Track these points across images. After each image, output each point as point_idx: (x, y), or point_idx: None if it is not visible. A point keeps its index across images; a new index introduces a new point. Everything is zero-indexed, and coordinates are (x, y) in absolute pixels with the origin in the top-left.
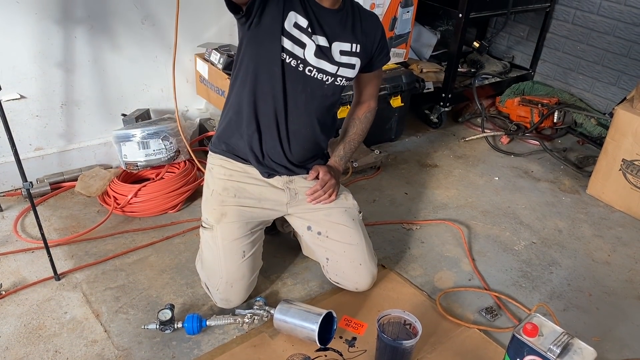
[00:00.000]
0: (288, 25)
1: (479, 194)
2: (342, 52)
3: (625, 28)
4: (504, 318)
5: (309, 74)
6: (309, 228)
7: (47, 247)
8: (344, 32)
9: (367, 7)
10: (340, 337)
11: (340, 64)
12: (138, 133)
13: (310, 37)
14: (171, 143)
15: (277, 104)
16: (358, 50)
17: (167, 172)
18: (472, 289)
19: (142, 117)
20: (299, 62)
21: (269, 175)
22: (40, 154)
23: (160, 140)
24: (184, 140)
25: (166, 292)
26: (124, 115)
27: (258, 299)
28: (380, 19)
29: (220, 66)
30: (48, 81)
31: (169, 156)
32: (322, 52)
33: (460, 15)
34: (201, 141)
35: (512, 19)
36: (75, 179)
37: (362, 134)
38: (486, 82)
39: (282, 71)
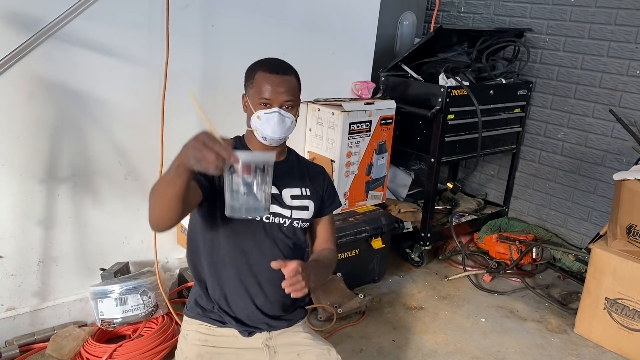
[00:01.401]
0: None
1: (467, 338)
2: (293, 197)
3: (589, 167)
4: None
5: (267, 220)
6: None
7: None
8: (292, 178)
9: (344, 155)
10: None
11: (293, 207)
12: (116, 289)
13: None
14: (149, 297)
15: (239, 264)
16: (308, 193)
17: (145, 328)
18: None
19: (121, 271)
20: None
21: (250, 334)
22: (11, 314)
23: (138, 295)
24: (163, 294)
25: None
26: (102, 269)
27: None
28: (357, 165)
29: None
30: (27, 239)
31: (147, 311)
32: (274, 199)
33: (432, 160)
34: (180, 292)
35: (482, 160)
36: (47, 339)
37: (329, 264)
38: (463, 219)
39: (239, 227)
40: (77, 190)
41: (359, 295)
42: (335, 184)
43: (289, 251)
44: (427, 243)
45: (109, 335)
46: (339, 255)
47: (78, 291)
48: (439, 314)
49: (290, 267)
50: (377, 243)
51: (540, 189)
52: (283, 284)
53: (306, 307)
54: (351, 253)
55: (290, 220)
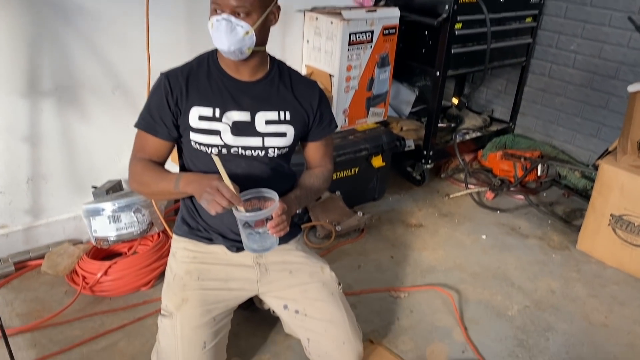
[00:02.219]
0: (194, 121)
1: (467, 255)
2: (268, 122)
3: (602, 81)
4: None
5: (236, 153)
6: (285, 307)
7: (5, 340)
8: (269, 101)
9: (343, 69)
10: None
11: (265, 134)
12: (108, 207)
13: (220, 121)
14: (144, 215)
15: None
16: (288, 118)
17: (140, 245)
18: None
19: (114, 188)
20: (220, 147)
21: (238, 250)
22: (4, 232)
23: (132, 213)
24: (157, 212)
25: None
26: (94, 187)
27: None
28: (358, 80)
29: None
30: (13, 156)
31: (141, 229)
32: (240, 129)
33: (438, 73)
34: (177, 210)
35: (489, 74)
36: (42, 257)
37: (318, 188)
38: (467, 137)
39: (209, 160)
40: (62, 105)
41: (358, 213)
42: (334, 100)
43: (273, 179)
44: (429, 161)
45: (104, 252)
46: (337, 173)
47: (71, 209)
48: (439, 231)
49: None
50: (377, 161)
51: (549, 105)
52: (268, 226)
53: (301, 225)
54: (351, 172)
55: (263, 150)
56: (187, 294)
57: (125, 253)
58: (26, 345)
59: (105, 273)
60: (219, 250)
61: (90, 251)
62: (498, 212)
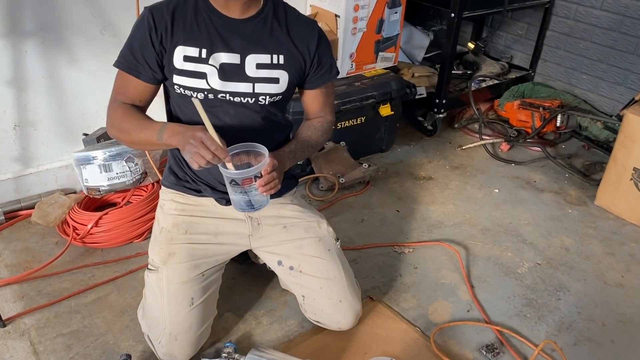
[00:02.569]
0: (178, 62)
1: (478, 209)
2: (259, 65)
3: (632, 24)
4: (507, 356)
5: (223, 99)
6: (279, 263)
7: None
8: (261, 42)
9: (350, 9)
10: None
11: (255, 80)
12: (99, 155)
13: (207, 63)
14: (136, 165)
15: None
16: (282, 62)
17: (133, 195)
18: (471, 323)
19: (105, 136)
20: (206, 92)
21: (227, 202)
22: None
23: (124, 162)
24: (151, 162)
25: (125, 337)
26: (85, 134)
27: (227, 344)
28: (366, 22)
29: None
30: None
31: (134, 179)
32: (228, 73)
33: (453, 15)
34: None
35: (509, 17)
36: (34, 207)
37: (316, 141)
38: (483, 84)
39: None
40: (47, 47)
41: (364, 165)
42: (340, 43)
43: (265, 129)
44: (442, 110)
45: (97, 203)
46: (343, 123)
47: (62, 157)
48: (449, 184)
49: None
50: (385, 110)
51: (573, 50)
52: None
53: (297, 177)
54: (356, 121)
55: (254, 97)
56: (173, 248)
57: (119, 203)
58: (13, 297)
59: (96, 224)
60: (208, 203)
61: (83, 201)
62: (513, 164)
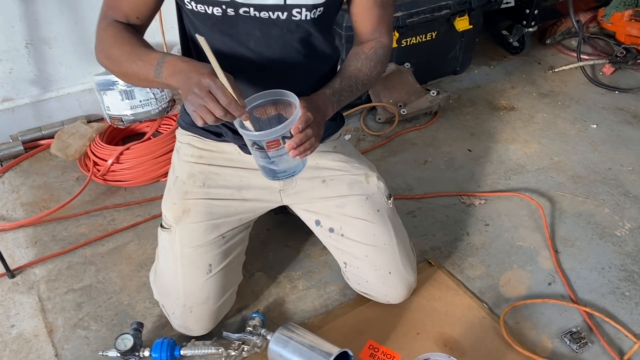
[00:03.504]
0: None
1: (569, 150)
2: None
3: None
4: (596, 348)
5: (247, 15)
6: (317, 223)
7: None
8: None
9: None
10: None
11: None
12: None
13: None
14: (162, 91)
15: (235, 70)
16: None
17: (162, 125)
18: (553, 301)
19: None
20: (224, 7)
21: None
22: (9, 105)
23: (147, 88)
24: None
25: (141, 297)
26: None
27: (254, 315)
28: None
29: None
30: (3, 15)
31: (160, 108)
32: None
33: None
34: None
35: None
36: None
37: (369, 75)
38: None
39: (211, 27)
40: None
41: (431, 92)
42: None
43: (302, 59)
44: (533, 23)
45: (122, 133)
46: (408, 40)
47: (84, 80)
48: (536, 116)
49: (300, 120)
50: (462, 23)
51: None
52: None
53: (342, 117)
54: (425, 37)
55: (285, 10)
56: (188, 204)
57: (147, 135)
58: (26, 242)
59: (117, 160)
60: (231, 150)
61: (106, 132)
62: (617, 92)
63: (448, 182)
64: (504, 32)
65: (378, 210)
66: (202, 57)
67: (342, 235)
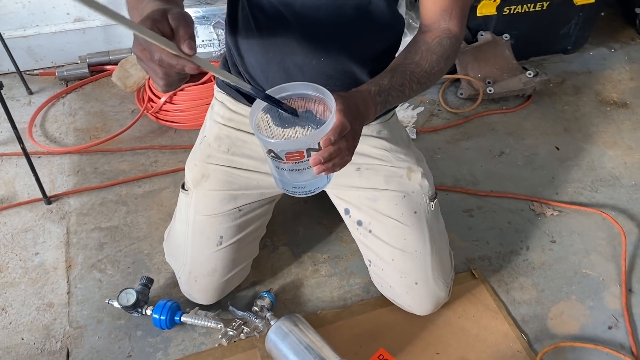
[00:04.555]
0: None
1: None
2: None
3: None
4: None
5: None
6: (346, 212)
7: (32, 169)
8: None
9: None
10: None
11: None
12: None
13: None
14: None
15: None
16: None
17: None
18: (608, 350)
19: None
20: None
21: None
22: (80, 26)
23: (211, 27)
24: None
25: (161, 249)
26: None
27: (265, 294)
28: None
29: None
30: None
31: (222, 49)
32: None
33: None
34: None
35: None
36: None
37: (429, 72)
38: None
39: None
40: None
41: (528, 72)
42: None
43: (356, 30)
44: None
45: None
46: (512, 7)
47: None
48: None
49: (333, 131)
50: None
51: None
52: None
53: None
54: (534, 6)
55: None
56: (209, 169)
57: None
58: (69, 169)
59: (170, 100)
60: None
61: None
62: None
63: (521, 182)
64: (638, 11)
65: (415, 212)
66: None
67: (370, 231)
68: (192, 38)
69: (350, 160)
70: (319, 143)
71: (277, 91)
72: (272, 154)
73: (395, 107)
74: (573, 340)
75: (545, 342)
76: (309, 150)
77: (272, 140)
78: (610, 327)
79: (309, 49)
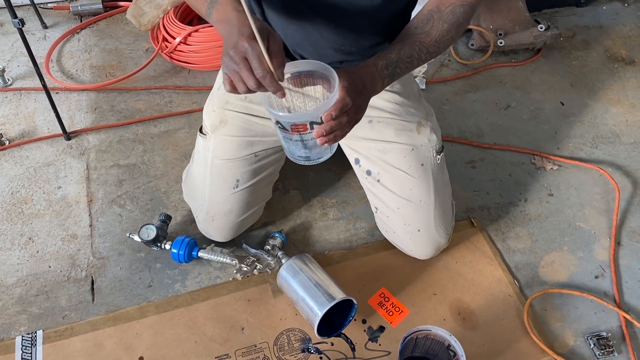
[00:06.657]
0: None
1: None
2: None
3: None
4: (622, 358)
5: None
6: (356, 161)
7: (52, 105)
8: None
9: None
10: (363, 322)
11: None
12: None
13: None
14: None
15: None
16: None
17: None
18: (592, 297)
19: None
20: None
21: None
22: None
23: None
24: None
25: (178, 188)
26: None
27: (276, 234)
28: None
29: None
30: None
31: None
32: None
33: None
34: None
35: None
36: None
37: (438, 41)
38: None
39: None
40: None
41: (540, 25)
42: None
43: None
44: None
45: (195, 13)
46: None
47: None
48: None
49: (337, 104)
50: None
51: None
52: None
53: None
54: None
55: None
56: (227, 115)
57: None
58: (87, 106)
59: (185, 41)
60: None
61: (181, 7)
62: None
63: (525, 135)
64: None
65: (422, 165)
66: None
67: (379, 181)
68: (283, 65)
69: (350, 132)
70: (321, 117)
71: (290, 67)
72: (279, 124)
73: None
74: (561, 287)
75: (535, 288)
76: (312, 123)
77: (279, 113)
78: (596, 277)
79: (313, 16)
